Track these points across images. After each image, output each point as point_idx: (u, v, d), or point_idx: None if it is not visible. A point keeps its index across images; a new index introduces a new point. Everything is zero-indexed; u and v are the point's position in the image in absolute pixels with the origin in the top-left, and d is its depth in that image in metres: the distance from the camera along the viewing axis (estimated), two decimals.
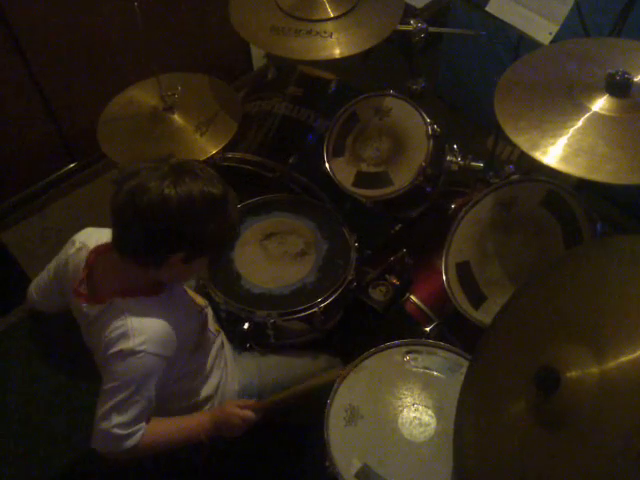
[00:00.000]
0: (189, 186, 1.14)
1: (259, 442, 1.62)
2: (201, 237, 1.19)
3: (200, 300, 1.49)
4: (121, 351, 1.18)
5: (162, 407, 1.35)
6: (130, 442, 1.23)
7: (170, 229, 1.15)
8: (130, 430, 1.22)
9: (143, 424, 1.25)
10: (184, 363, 1.35)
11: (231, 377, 1.54)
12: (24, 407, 2.06)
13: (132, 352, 1.18)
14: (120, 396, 1.19)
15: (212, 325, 1.50)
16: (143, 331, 1.19)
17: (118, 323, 1.20)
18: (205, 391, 1.46)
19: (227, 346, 1.58)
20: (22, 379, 2.14)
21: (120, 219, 1.17)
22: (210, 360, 1.46)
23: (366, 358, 1.50)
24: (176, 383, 1.37)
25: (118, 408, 1.20)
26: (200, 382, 1.44)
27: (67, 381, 2.10)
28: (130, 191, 1.13)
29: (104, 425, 1.20)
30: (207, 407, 1.47)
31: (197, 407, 1.45)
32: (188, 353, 1.35)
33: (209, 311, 1.51)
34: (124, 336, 1.18)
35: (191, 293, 1.47)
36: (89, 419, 1.97)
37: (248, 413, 1.39)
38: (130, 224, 1.16)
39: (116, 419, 1.20)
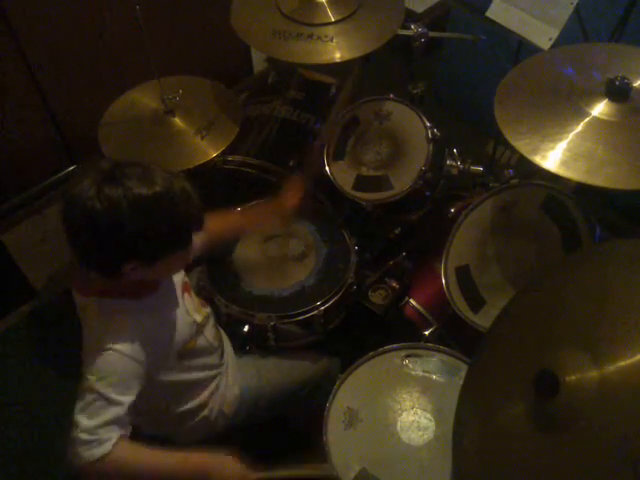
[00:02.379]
0: (111, 194, 1.06)
1: (258, 445, 1.62)
2: (144, 242, 1.11)
3: (202, 311, 1.44)
4: (91, 349, 1.15)
5: (154, 417, 1.34)
6: (97, 451, 1.10)
7: (104, 242, 1.09)
8: (97, 436, 1.11)
9: (115, 434, 1.13)
10: (170, 372, 1.32)
11: (232, 381, 1.53)
12: (23, 407, 2.07)
13: (101, 349, 1.13)
14: (89, 397, 1.12)
15: (212, 336, 1.45)
16: (115, 331, 1.15)
17: (93, 322, 1.18)
18: (200, 399, 1.44)
19: (229, 351, 1.57)
20: (22, 379, 2.14)
21: (66, 233, 1.13)
22: (206, 370, 1.43)
23: (365, 362, 1.50)
24: (164, 391, 1.35)
25: (86, 410, 1.11)
26: (194, 391, 1.42)
27: (66, 381, 2.11)
28: (65, 205, 1.10)
29: (73, 432, 1.11)
30: (203, 413, 1.45)
31: (192, 414, 1.43)
32: (173, 361, 1.31)
33: (210, 321, 1.47)
34: (96, 335, 1.16)
35: (196, 301, 1.43)
36: None
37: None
38: (70, 239, 1.12)
39: (83, 422, 1.10)
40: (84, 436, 1.10)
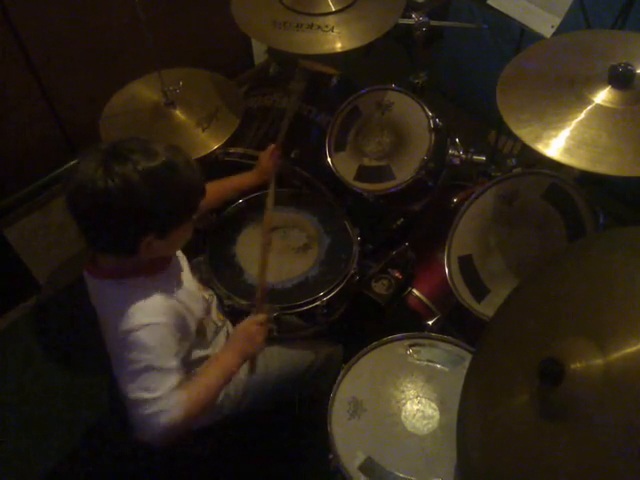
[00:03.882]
0: (122, 171, 1.07)
1: (263, 435, 1.63)
2: (160, 213, 1.14)
3: (205, 291, 1.48)
4: (124, 331, 1.15)
5: None
6: (166, 418, 1.14)
7: (121, 220, 1.10)
8: (162, 406, 1.14)
9: (175, 397, 1.16)
10: (186, 350, 1.33)
11: None
12: (24, 404, 2.08)
13: (136, 328, 1.15)
14: (141, 375, 1.14)
15: (216, 315, 1.49)
16: (141, 307, 1.17)
17: (115, 304, 1.18)
18: None
19: None
20: (26, 373, 2.15)
21: (76, 221, 1.13)
22: (212, 350, 1.45)
23: (369, 351, 1.50)
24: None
25: (143, 385, 1.14)
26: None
27: (67, 377, 2.12)
28: (70, 192, 1.10)
29: (137, 411, 1.13)
30: None
31: None
32: (193, 335, 1.33)
33: (214, 301, 1.50)
34: (124, 316, 1.16)
35: (198, 284, 1.46)
36: (89, 416, 2.00)
37: (259, 317, 1.37)
38: (84, 224, 1.13)
39: (146, 397, 1.13)
40: (150, 409, 1.13)
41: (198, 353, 1.39)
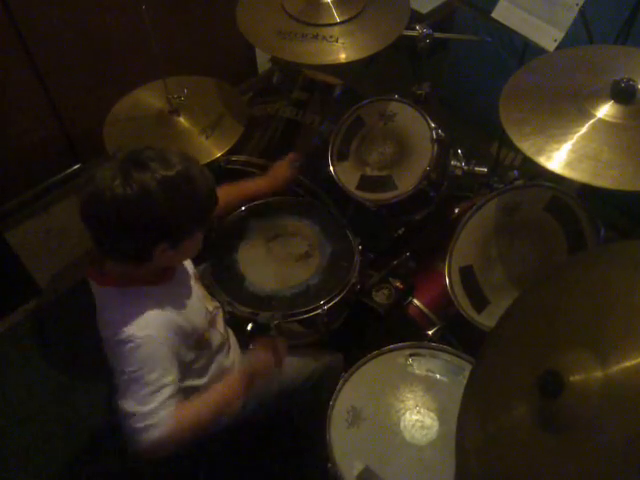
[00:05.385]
0: (140, 178, 1.09)
1: (261, 443, 1.63)
2: (175, 222, 1.15)
3: (211, 302, 1.47)
4: (120, 342, 1.15)
5: None
6: (156, 431, 1.13)
7: (138, 227, 1.12)
8: (154, 420, 1.13)
9: (169, 411, 1.16)
10: (189, 359, 1.33)
11: None
12: (23, 407, 2.07)
13: (132, 340, 1.15)
14: (135, 387, 1.14)
15: (223, 327, 1.48)
16: (140, 320, 1.17)
17: (116, 314, 1.18)
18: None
19: (235, 347, 1.58)
20: (26, 377, 2.15)
21: (89, 228, 1.14)
22: (216, 361, 1.44)
23: (369, 360, 1.50)
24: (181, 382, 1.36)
25: (136, 398, 1.14)
26: (204, 383, 1.43)
27: (67, 381, 2.12)
28: (87, 199, 1.11)
29: (128, 422, 1.14)
30: None
31: None
32: (192, 349, 1.33)
33: (220, 313, 1.49)
34: (122, 326, 1.16)
35: (204, 296, 1.45)
36: (88, 418, 2.00)
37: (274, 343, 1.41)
38: (99, 232, 1.14)
39: (137, 409, 1.13)
40: (139, 423, 1.13)
41: (202, 363, 1.38)
